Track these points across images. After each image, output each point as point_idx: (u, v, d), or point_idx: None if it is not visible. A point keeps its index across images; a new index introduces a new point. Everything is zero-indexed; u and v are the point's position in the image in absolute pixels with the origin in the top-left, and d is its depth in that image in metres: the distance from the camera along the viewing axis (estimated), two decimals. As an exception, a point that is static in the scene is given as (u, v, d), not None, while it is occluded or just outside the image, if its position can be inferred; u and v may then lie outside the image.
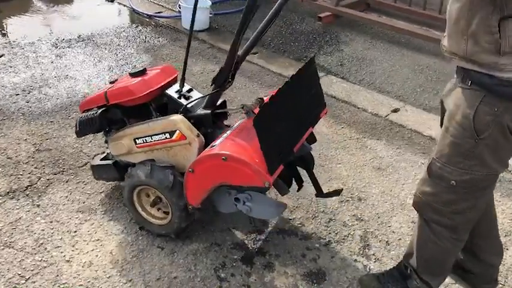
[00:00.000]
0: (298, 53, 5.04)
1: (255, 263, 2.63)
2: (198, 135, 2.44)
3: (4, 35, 5.20)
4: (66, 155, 3.40)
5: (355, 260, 2.68)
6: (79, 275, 2.53)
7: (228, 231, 2.84)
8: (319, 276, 2.58)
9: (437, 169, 1.94)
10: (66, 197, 3.04)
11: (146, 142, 2.57)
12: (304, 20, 5.73)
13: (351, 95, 4.31)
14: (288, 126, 2.30)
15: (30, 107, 3.93)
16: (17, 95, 4.10)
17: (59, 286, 2.46)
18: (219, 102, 2.59)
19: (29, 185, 3.11)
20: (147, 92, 2.56)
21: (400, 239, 2.82)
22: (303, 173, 2.78)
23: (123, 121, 2.71)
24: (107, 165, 2.90)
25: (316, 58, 4.95)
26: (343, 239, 2.81)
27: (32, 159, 3.34)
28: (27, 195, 3.04)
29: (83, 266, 2.58)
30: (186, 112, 2.50)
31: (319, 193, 2.76)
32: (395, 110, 4.10)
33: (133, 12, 6.02)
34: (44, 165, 3.29)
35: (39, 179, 3.17)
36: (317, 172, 3.27)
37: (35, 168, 3.26)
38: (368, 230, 2.88)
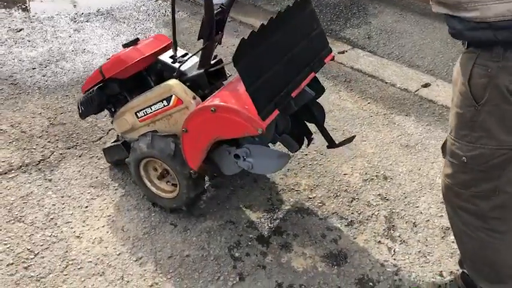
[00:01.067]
0: (324, 26, 4.79)
1: (271, 243, 2.49)
2: (194, 98, 2.30)
3: (24, 9, 5.13)
4: (80, 129, 3.31)
5: (379, 242, 2.50)
6: (88, 251, 2.44)
7: (244, 209, 2.70)
8: (340, 258, 2.42)
9: (450, 145, 1.77)
10: (79, 171, 2.95)
11: (147, 114, 2.46)
12: (331, -7, 5.47)
13: (379, 69, 4.08)
14: (281, 68, 2.10)
15: (46, 81, 3.85)
16: (33, 68, 4.02)
17: (67, 262, 2.38)
18: (214, 61, 2.47)
19: (41, 159, 3.04)
20: (139, 59, 2.44)
21: (428, 220, 2.63)
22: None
23: (124, 98, 2.61)
24: (117, 146, 2.82)
25: (342, 31, 4.71)
26: (367, 219, 2.64)
27: (46, 134, 3.26)
28: (39, 169, 2.96)
29: (93, 242, 2.49)
30: (181, 76, 2.38)
31: (331, 144, 2.61)
32: (426, 85, 3.85)
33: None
34: (57, 140, 3.21)
35: (52, 153, 3.09)
36: (340, 149, 3.09)
37: (49, 142, 3.18)
38: (394, 211, 2.69)
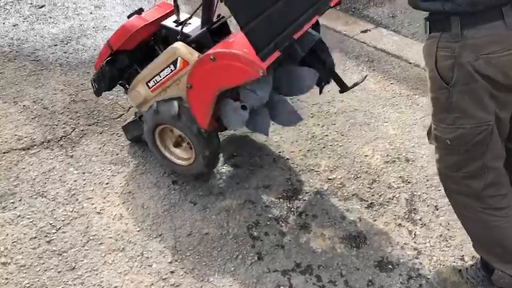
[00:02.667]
0: (345, 4, 4.69)
1: (289, 223, 2.49)
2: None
3: (45, -15, 5.12)
4: (101, 106, 3.32)
5: (400, 225, 2.48)
6: (109, 227, 2.47)
7: (263, 189, 2.69)
8: (359, 240, 2.40)
9: (433, 130, 1.80)
10: (100, 148, 2.97)
11: (157, 83, 2.47)
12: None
13: (403, 49, 3.98)
14: (280, 9, 2.01)
15: (68, 58, 3.86)
16: (55, 45, 4.04)
17: (88, 237, 2.42)
18: (216, 18, 2.46)
19: (63, 136, 3.06)
20: (142, 25, 2.46)
21: (449, 204, 2.58)
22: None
23: (135, 71, 2.62)
24: (135, 121, 2.84)
25: (365, 9, 4.60)
26: (387, 201, 2.61)
27: (68, 110, 3.28)
28: (61, 145, 2.99)
29: (113, 219, 2.52)
30: (185, 38, 2.37)
31: (344, 88, 2.61)
32: (451, 66, 3.74)
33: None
34: (78, 116, 3.23)
35: (74, 129, 3.12)
36: (362, 130, 3.06)
37: (70, 119, 3.21)
38: (415, 193, 2.65)
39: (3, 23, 4.32)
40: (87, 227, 2.47)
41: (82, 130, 3.11)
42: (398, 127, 3.13)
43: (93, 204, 2.60)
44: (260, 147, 2.97)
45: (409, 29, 4.28)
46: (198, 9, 2.38)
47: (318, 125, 3.15)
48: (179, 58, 2.33)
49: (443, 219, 2.50)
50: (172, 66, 2.38)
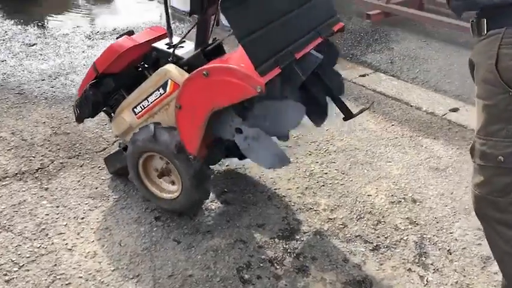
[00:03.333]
0: (344, 51, 4.62)
1: (285, 266, 2.20)
2: None
3: (40, 26, 5.05)
4: (85, 139, 3.10)
5: (409, 270, 2.19)
6: (80, 265, 2.17)
7: (257, 228, 2.42)
8: (365, 285, 2.11)
9: (479, 147, 1.54)
10: (78, 181, 2.71)
11: (144, 108, 2.28)
12: (351, 19, 5.34)
13: (403, 92, 3.85)
14: (280, 27, 1.89)
15: (54, 92, 3.69)
16: (42, 80, 3.88)
17: (54, 277, 2.11)
18: (212, 41, 2.29)
19: (39, 168, 2.81)
20: (131, 46, 2.29)
21: (464, 248, 2.32)
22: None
23: (122, 97, 2.42)
24: (118, 152, 2.63)
25: (363, 56, 4.53)
26: (395, 244, 2.34)
27: (48, 142, 3.05)
28: (36, 177, 2.73)
29: (85, 256, 2.22)
30: (177, 60, 2.20)
31: (348, 115, 2.39)
32: (454, 110, 3.60)
33: (172, 8, 5.80)
34: (59, 149, 2.99)
35: (52, 162, 2.87)
36: (363, 169, 2.84)
37: (50, 151, 2.97)
38: (425, 236, 2.39)
39: (-9, 58, 4.19)
40: (55, 265, 2.17)
41: (61, 163, 2.87)
42: (402, 167, 2.91)
43: (64, 240, 2.31)
44: (254, 184, 2.73)
45: (409, 74, 4.19)
46: (191, 29, 2.23)
47: (317, 162, 2.93)
48: (169, 80, 2.15)
49: (458, 265, 2.22)
50: (161, 90, 2.20)
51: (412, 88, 3.94)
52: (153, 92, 2.23)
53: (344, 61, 4.40)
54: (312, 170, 2.85)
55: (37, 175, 2.75)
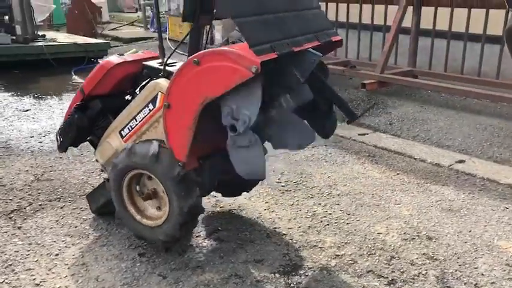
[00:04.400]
0: (340, 116, 4.56)
1: (289, 300, 1.88)
2: None
3: (36, 97, 5.05)
4: (68, 185, 2.88)
5: (433, 304, 1.88)
6: (47, 301, 1.85)
7: (254, 263, 2.12)
8: (383, 319, 1.78)
9: None
10: (57, 221, 2.45)
11: (132, 129, 2.12)
12: (347, 91, 5.36)
13: (405, 147, 3.71)
14: (279, 19, 1.83)
15: (42, 147, 3.54)
16: (31, 137, 3.75)
17: (15, 311, 1.78)
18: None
19: (15, 209, 2.57)
20: (119, 62, 2.19)
21: (493, 282, 2.02)
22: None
23: (109, 123, 2.25)
24: (100, 186, 2.40)
25: (361, 119, 4.46)
26: (413, 278, 2.03)
27: (28, 187, 2.83)
28: (10, 218, 2.48)
29: (55, 292, 1.90)
30: (168, 76, 2.04)
31: (352, 116, 2.17)
32: (461, 161, 3.43)
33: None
34: (39, 193, 2.76)
35: (30, 204, 2.63)
36: (371, 210, 2.61)
37: (29, 195, 2.74)
38: (446, 271, 2.09)
39: (-19, 119, 4.11)
40: (17, 300, 1.85)
41: (40, 205, 2.62)
42: (413, 208, 2.67)
43: (32, 275, 2.00)
44: (251, 223, 2.47)
45: (409, 133, 4.08)
46: (184, 39, 2.14)
47: (320, 204, 2.69)
48: (159, 94, 2.01)
49: (489, 299, 1.91)
50: (150, 105, 2.06)
51: (414, 144, 3.81)
52: (142, 110, 2.09)
53: (342, 124, 4.32)
54: (315, 211, 2.61)
55: (12, 215, 2.50)
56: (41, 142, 3.62)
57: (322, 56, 1.94)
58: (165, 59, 2.16)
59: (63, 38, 7.41)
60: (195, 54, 1.76)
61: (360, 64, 5.78)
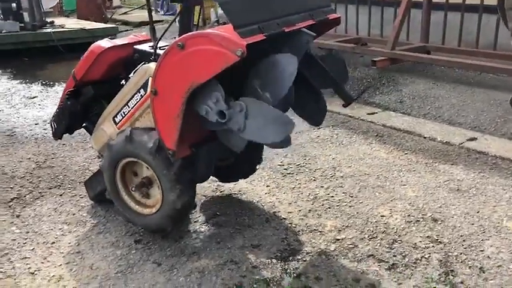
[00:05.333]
0: (351, 92, 4.45)
1: (283, 286, 1.83)
2: None
3: (44, 84, 5.05)
4: (70, 172, 2.87)
5: (435, 289, 1.81)
6: (40, 290, 1.83)
7: (251, 248, 2.08)
8: (381, 305, 1.72)
9: None
10: (55, 208, 2.44)
11: (125, 115, 2.07)
12: (357, 69, 5.22)
13: (415, 126, 3.60)
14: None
15: (46, 134, 3.52)
16: (36, 124, 3.74)
17: (8, 301, 1.77)
18: None
19: (15, 197, 2.56)
20: (110, 46, 2.12)
21: (500, 265, 1.93)
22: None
23: (103, 109, 2.21)
24: (97, 172, 2.37)
25: (371, 97, 4.34)
26: (415, 262, 1.96)
27: (29, 175, 2.82)
28: (9, 206, 2.47)
29: (49, 280, 1.89)
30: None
31: (348, 98, 2.10)
32: (472, 139, 3.31)
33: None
34: (40, 180, 2.75)
35: (31, 192, 2.62)
36: (375, 192, 2.54)
37: (30, 182, 2.73)
38: (450, 254, 2.01)
39: (-12, 108, 4.13)
40: (11, 289, 1.84)
41: (40, 192, 2.61)
42: (419, 189, 2.58)
43: (27, 264, 1.99)
44: (250, 208, 2.42)
45: (419, 111, 3.95)
46: (174, 20, 2.07)
47: (322, 187, 2.62)
48: (150, 79, 1.95)
49: (493, 283, 1.83)
50: (142, 91, 2.00)
51: (425, 122, 3.69)
52: (134, 95, 2.03)
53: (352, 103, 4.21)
54: (317, 194, 2.54)
55: (11, 204, 2.49)
56: (45, 129, 3.60)
57: (316, 36, 1.85)
58: (156, 42, 2.10)
59: (71, 24, 7.38)
60: (179, 38, 1.68)
61: (372, 41, 5.61)
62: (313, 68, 2.00)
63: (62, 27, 6.84)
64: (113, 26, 7.76)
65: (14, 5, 6.38)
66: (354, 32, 5.84)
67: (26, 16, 6.45)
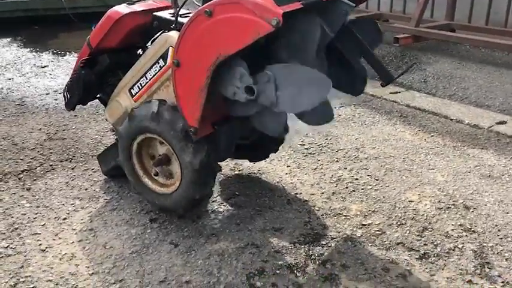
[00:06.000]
0: (371, 73, 4.27)
1: (308, 273, 1.72)
2: None
3: (55, 53, 4.92)
4: (82, 144, 2.76)
5: (470, 282, 1.69)
6: (52, 268, 1.74)
7: (273, 231, 1.97)
8: (413, 298, 1.61)
9: None
10: (67, 182, 2.34)
11: (142, 87, 1.94)
12: (379, 46, 5.03)
13: (441, 107, 3.43)
14: None
15: (57, 104, 3.41)
16: (47, 94, 3.63)
17: (17, 279, 1.68)
18: None
19: (25, 169, 2.46)
20: (128, 12, 1.97)
21: (540, 258, 1.81)
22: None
23: (119, 80, 2.07)
24: (112, 146, 2.25)
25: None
26: (447, 252, 1.84)
27: (40, 146, 2.72)
28: (19, 178, 2.38)
29: (60, 259, 1.79)
30: (181, 27, 1.81)
31: (388, 77, 1.89)
32: (502, 122, 3.15)
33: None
34: (51, 153, 2.65)
35: (41, 164, 2.52)
36: (401, 176, 2.40)
37: (40, 154, 2.63)
38: (485, 244, 1.89)
39: (-3, 75, 4.01)
40: (21, 266, 1.75)
41: (51, 165, 2.51)
42: (448, 174, 2.45)
43: (38, 240, 1.90)
44: (271, 189, 2.30)
45: (445, 91, 3.79)
46: None
47: (345, 168, 2.49)
48: (171, 48, 1.81)
49: (534, 278, 1.71)
50: (161, 62, 1.86)
51: (451, 104, 3.53)
52: (152, 66, 1.90)
53: (373, 81, 4.04)
54: (340, 176, 2.42)
55: (21, 176, 2.40)
56: (56, 99, 3.49)
57: (355, 6, 1.69)
58: (178, 9, 1.95)
59: (84, -8, 7.19)
60: (207, 4, 1.53)
61: (393, 17, 5.41)
62: (347, 41, 1.84)
63: (74, -5, 6.65)
64: (126, -5, 7.55)
65: (24, -29, 6.21)
66: (375, 8, 5.62)
67: (37, -17, 6.27)
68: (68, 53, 4.93)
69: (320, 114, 1.71)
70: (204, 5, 1.54)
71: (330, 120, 1.73)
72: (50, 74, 4.16)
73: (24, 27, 5.93)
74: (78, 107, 2.31)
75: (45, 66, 4.40)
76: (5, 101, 3.45)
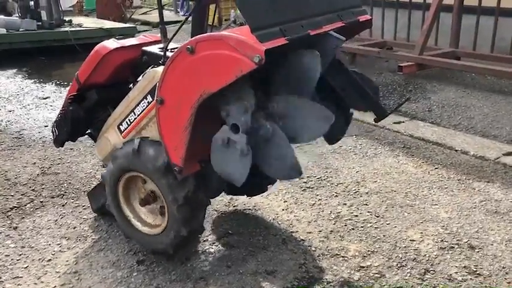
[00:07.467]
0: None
1: (302, 322, 1.62)
2: None
3: (58, 84, 4.93)
4: (75, 179, 2.70)
5: (475, 332, 1.57)
6: (30, 316, 1.66)
7: (265, 275, 1.87)
8: None
9: None
10: (56, 220, 2.27)
11: (130, 123, 1.88)
12: (382, 74, 4.99)
13: (445, 137, 3.34)
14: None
15: (54, 137, 3.37)
16: (45, 126, 3.60)
17: (-7, 328, 1.60)
18: None
19: (15, 207, 2.40)
20: (116, 47, 1.93)
21: (550, 306, 1.68)
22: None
23: (108, 116, 2.02)
24: (100, 184, 2.18)
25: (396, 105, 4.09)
26: (451, 298, 1.73)
27: (32, 182, 2.66)
28: (7, 216, 2.31)
29: (40, 305, 1.71)
30: None
31: (382, 113, 1.84)
32: (509, 154, 3.04)
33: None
34: (43, 188, 2.59)
35: (32, 201, 2.46)
36: (403, 212, 2.30)
37: (32, 190, 2.57)
38: (492, 289, 1.77)
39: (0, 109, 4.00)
40: (-2, 314, 1.67)
41: (41, 201, 2.45)
42: (452, 210, 2.34)
43: (19, 285, 1.82)
44: (266, 226, 2.21)
45: (450, 121, 3.69)
46: (185, 21, 1.87)
47: (345, 204, 2.40)
48: (159, 84, 1.76)
49: (544, 328, 1.59)
50: (149, 97, 1.81)
51: (455, 134, 3.43)
52: (140, 102, 1.85)
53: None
54: (339, 213, 2.32)
55: (9, 214, 2.33)
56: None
57: (345, 40, 1.63)
58: (166, 44, 1.91)
59: (89, 23, 7.28)
60: (188, 41, 1.48)
61: (397, 45, 5.37)
62: (339, 76, 1.78)
63: (80, 26, 6.74)
64: (132, 25, 7.64)
65: (31, 3, 6.31)
66: (379, 36, 5.59)
67: (44, 14, 6.36)
68: (70, 83, 4.92)
69: (288, 168, 1.60)
70: (186, 42, 1.49)
71: (298, 175, 1.62)
72: (51, 106, 4.15)
73: (31, 58, 5.98)
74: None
75: (46, 98, 4.40)
76: (3, 134, 3.42)
